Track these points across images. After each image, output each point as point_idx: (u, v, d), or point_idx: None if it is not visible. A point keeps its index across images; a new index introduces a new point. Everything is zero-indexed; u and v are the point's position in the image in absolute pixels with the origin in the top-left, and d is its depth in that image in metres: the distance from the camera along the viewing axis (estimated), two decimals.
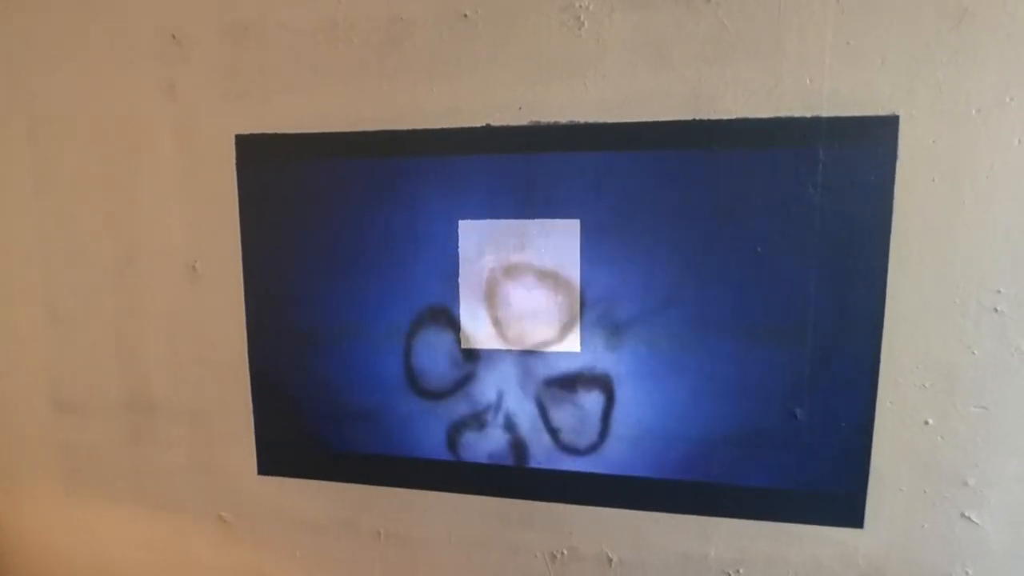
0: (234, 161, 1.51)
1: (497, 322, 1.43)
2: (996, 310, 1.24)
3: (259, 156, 1.49)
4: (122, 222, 1.60)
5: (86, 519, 1.79)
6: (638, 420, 1.40)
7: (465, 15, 1.35)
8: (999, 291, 1.23)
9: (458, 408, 1.48)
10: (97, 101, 1.56)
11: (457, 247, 1.42)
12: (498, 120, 1.38)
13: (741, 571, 1.41)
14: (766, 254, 1.30)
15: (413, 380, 1.50)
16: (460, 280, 1.43)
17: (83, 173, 1.60)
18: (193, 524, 1.70)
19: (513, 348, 1.43)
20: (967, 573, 1.32)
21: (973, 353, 1.26)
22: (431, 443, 1.51)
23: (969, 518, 1.31)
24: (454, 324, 1.45)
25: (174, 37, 1.49)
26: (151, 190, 1.57)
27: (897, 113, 1.22)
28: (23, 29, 1.58)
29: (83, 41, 1.55)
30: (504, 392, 1.45)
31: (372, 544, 1.59)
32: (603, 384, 1.40)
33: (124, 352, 1.66)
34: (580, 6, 1.30)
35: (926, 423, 1.30)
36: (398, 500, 1.56)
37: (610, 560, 1.47)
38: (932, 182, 1.22)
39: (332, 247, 1.49)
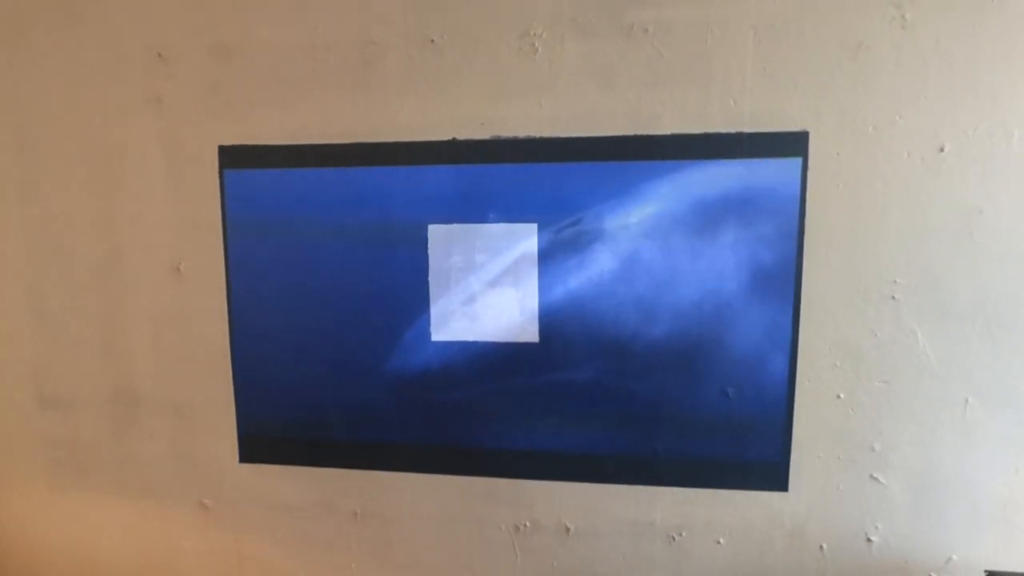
0: (217, 169, 1.58)
1: (464, 316, 1.54)
2: (893, 298, 1.40)
3: (241, 165, 1.56)
4: (107, 225, 1.64)
5: (69, 510, 1.81)
6: (590, 405, 1.54)
7: (432, 40, 1.46)
8: (895, 281, 1.40)
9: (429, 396, 1.58)
10: (85, 112, 1.60)
11: (426, 248, 1.53)
12: (463, 134, 1.49)
13: (683, 534, 1.55)
14: (700, 252, 1.44)
15: (387, 371, 1.59)
16: (430, 278, 1.54)
17: (70, 179, 1.64)
18: (175, 511, 1.75)
19: (479, 339, 1.54)
20: (876, 527, 1.48)
21: (875, 335, 1.42)
22: (403, 428, 1.61)
23: (877, 479, 1.46)
24: (425, 318, 1.55)
25: (160, 55, 1.55)
26: (137, 196, 1.62)
27: (807, 129, 1.37)
28: (15, 43, 1.61)
29: (74, 56, 1.59)
30: (470, 382, 1.56)
31: (349, 524, 1.68)
32: (560, 371, 1.53)
33: (108, 349, 1.70)
34: (535, 34, 1.43)
35: (838, 397, 1.45)
36: (372, 482, 1.65)
37: (567, 529, 1.60)
38: (837, 188, 1.38)
39: (309, 251, 1.57)
